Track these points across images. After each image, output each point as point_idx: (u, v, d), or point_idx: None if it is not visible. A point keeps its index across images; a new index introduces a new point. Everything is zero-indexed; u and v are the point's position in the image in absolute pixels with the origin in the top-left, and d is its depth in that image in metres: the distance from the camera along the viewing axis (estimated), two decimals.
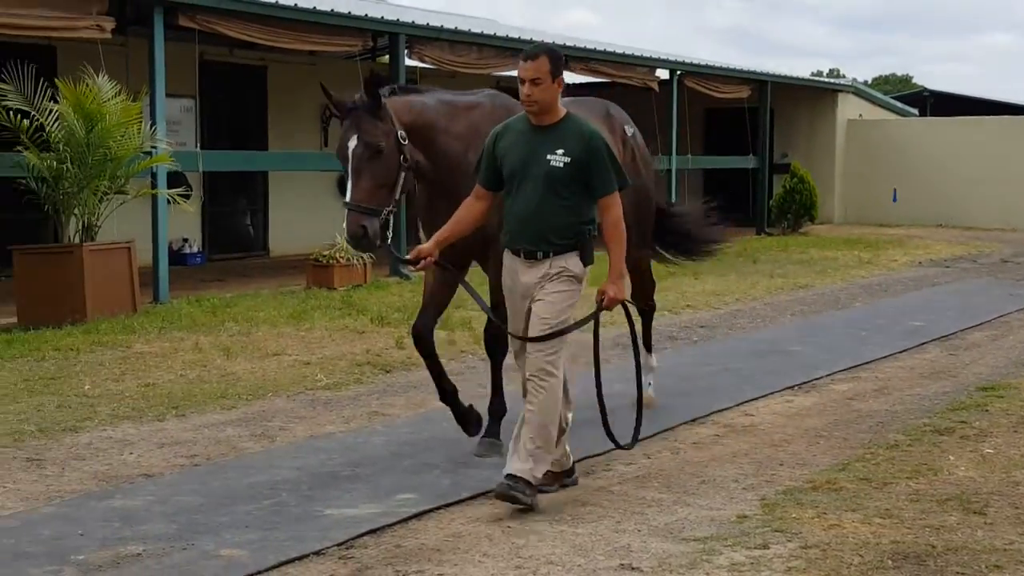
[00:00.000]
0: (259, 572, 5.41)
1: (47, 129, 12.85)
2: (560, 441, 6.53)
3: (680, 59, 26.70)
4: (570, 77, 23.53)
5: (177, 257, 17.99)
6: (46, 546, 5.76)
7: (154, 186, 14.33)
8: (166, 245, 15.01)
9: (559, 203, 6.34)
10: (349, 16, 17.65)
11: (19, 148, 12.78)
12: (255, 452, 7.71)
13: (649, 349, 9.16)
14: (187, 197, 15.84)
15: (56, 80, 13.12)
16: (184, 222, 18.05)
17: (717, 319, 14.37)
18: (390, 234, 7.06)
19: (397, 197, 7.04)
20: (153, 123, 14.13)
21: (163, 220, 14.81)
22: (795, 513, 6.17)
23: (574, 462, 6.85)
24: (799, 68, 57.62)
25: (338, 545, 5.76)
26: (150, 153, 13.92)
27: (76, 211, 13.06)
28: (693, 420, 8.53)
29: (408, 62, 18.99)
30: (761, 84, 29.14)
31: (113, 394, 9.33)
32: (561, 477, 6.70)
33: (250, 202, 21.63)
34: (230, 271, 18.70)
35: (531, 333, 6.38)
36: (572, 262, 6.40)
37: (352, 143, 6.86)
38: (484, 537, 5.92)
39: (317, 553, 5.65)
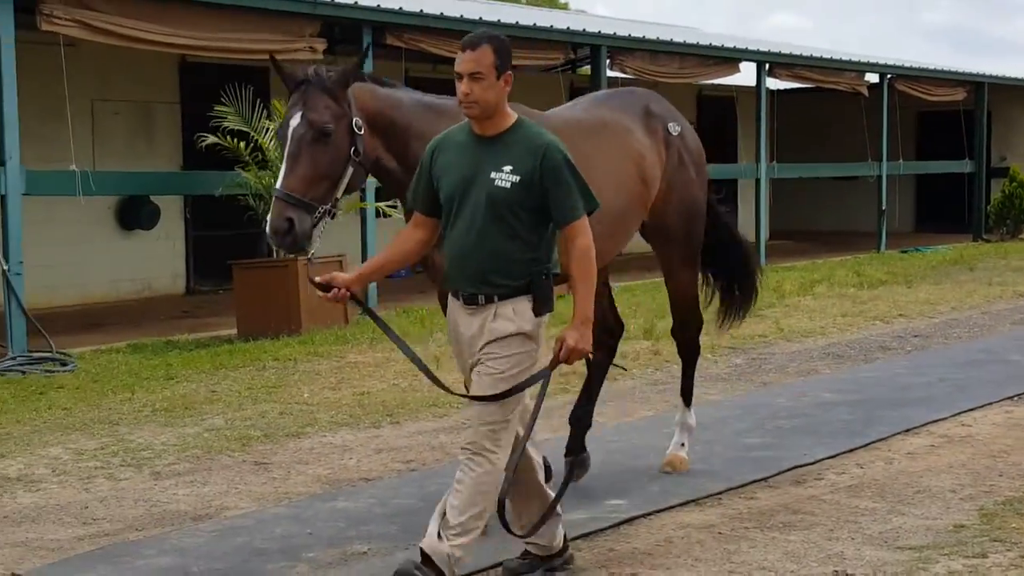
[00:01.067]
0: (479, 571, 5.53)
1: (264, 148, 13.36)
2: (551, 522, 5.36)
3: (890, 62, 26.31)
4: (774, 83, 23.40)
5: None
6: (279, 544, 6.05)
7: (363, 199, 14.75)
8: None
9: (505, 234, 4.88)
10: (552, 30, 17.98)
11: (239, 167, 13.37)
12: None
13: (688, 402, 7.51)
14: (394, 207, 16.31)
15: (272, 101, 13.66)
16: (390, 237, 18.46)
17: (931, 328, 14.04)
18: (318, 239, 5.64)
19: (339, 196, 5.74)
20: None
21: (372, 234, 15.23)
22: (1015, 523, 6.07)
23: (567, 543, 5.57)
24: (1020, 68, 54.88)
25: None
26: None
27: None
28: (907, 431, 8.34)
29: (609, 73, 19.17)
30: (977, 86, 28.28)
31: (331, 402, 9.71)
32: (547, 560, 5.50)
33: None
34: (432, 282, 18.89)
35: (469, 417, 5.05)
36: (521, 311, 4.90)
37: (295, 121, 5.59)
38: (695, 542, 5.98)
39: None
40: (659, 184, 6.82)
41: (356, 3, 14.89)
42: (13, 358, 11.40)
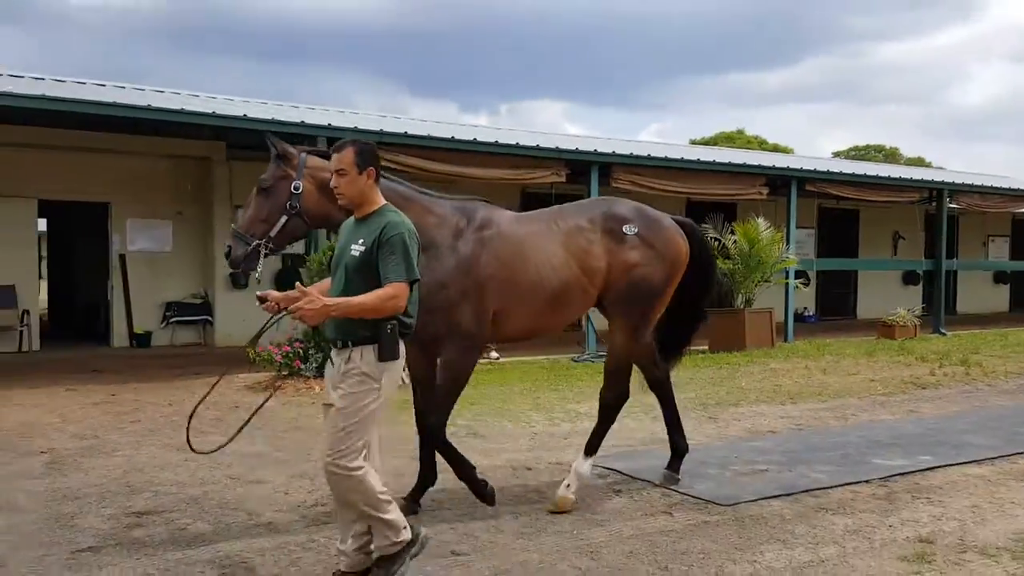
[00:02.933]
0: (832, 486, 5.43)
1: (727, 248, 13.41)
2: (379, 525, 3.78)
3: None
4: None
5: (799, 318, 17.79)
6: (717, 460, 6.10)
7: (786, 278, 14.54)
8: (792, 310, 15.01)
9: (355, 292, 3.69)
10: (911, 180, 16.73)
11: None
12: (835, 426, 7.56)
13: (590, 450, 5.26)
14: (806, 284, 15.93)
15: (733, 223, 13.80)
16: (804, 296, 17.95)
17: None
18: (259, 268, 4.61)
19: (273, 235, 4.57)
20: (788, 243, 14.26)
21: (791, 296, 14.85)
22: None
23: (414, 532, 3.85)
24: None
25: (879, 479, 5.65)
26: (784, 260, 14.04)
27: (742, 290, 13.51)
28: None
29: (950, 205, 17.49)
30: None
31: (756, 388, 9.58)
32: (397, 557, 3.80)
33: (846, 285, 20.84)
34: (831, 327, 18.14)
35: (325, 431, 3.75)
36: (368, 357, 3.68)
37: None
38: (972, 484, 5.56)
39: (866, 481, 5.59)
40: (604, 269, 5.01)
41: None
42: (587, 354, 12.16)
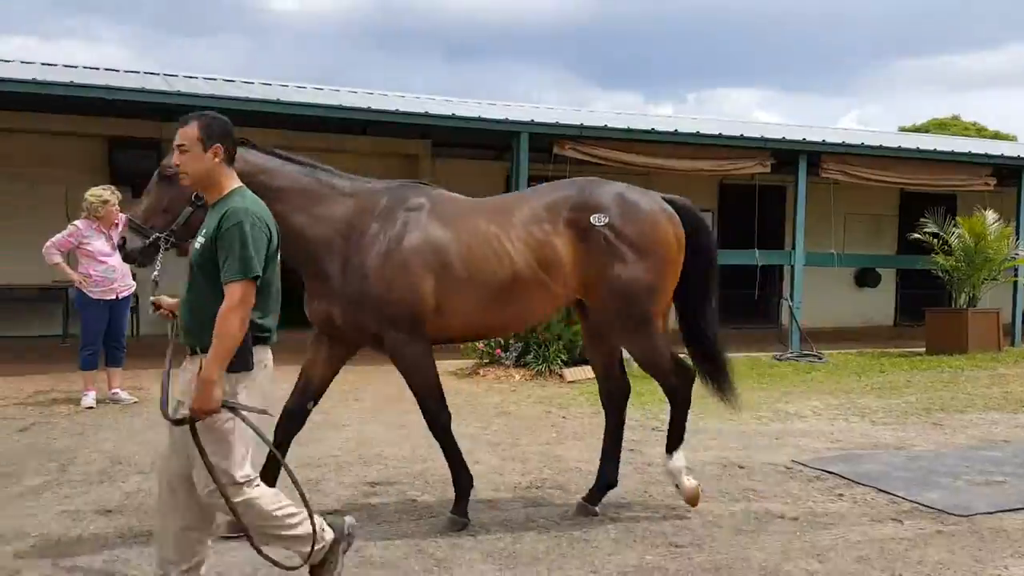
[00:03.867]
0: None
1: (950, 243, 12.52)
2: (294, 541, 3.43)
3: None
4: None
5: None
6: (949, 471, 5.68)
7: (1015, 276, 13.33)
8: (1021, 311, 13.80)
9: (198, 292, 3.24)
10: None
11: (933, 253, 12.70)
12: None
13: (674, 444, 4.74)
14: None
15: (956, 217, 12.85)
16: None
17: None
18: (158, 263, 3.86)
19: (175, 228, 3.86)
20: (1019, 239, 13.12)
21: (1020, 297, 13.65)
22: None
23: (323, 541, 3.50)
24: None
25: None
26: (1015, 257, 12.91)
27: (965, 290, 12.57)
28: None
29: None
30: None
31: (984, 395, 8.88)
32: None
33: None
34: None
35: (177, 451, 3.28)
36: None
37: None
38: None
39: None
40: (570, 267, 4.40)
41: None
42: (791, 353, 11.82)
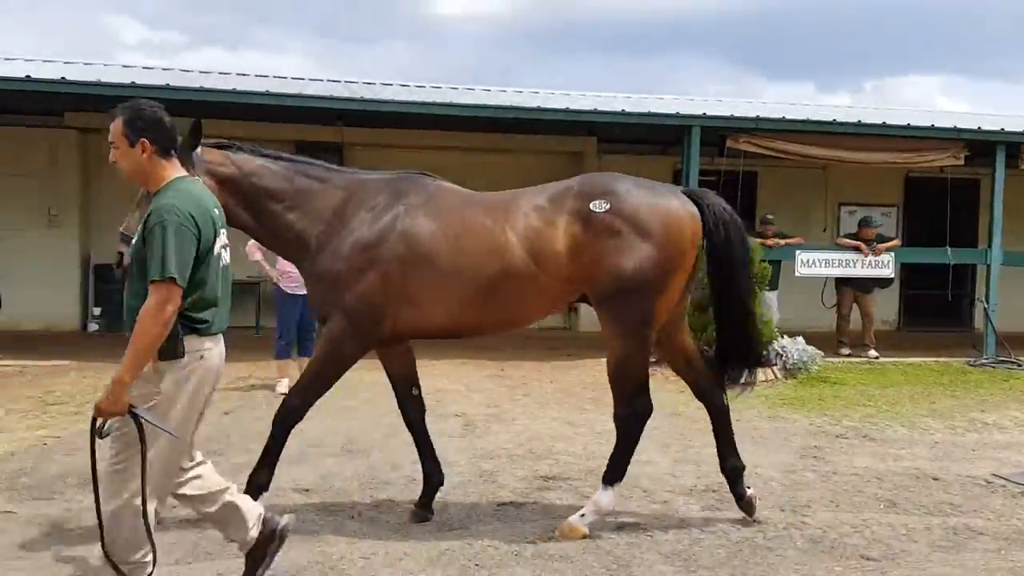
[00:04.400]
0: None
1: None
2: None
3: None
4: None
5: None
6: None
7: None
8: None
9: (134, 287, 3.11)
10: None
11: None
12: None
13: (605, 480, 4.40)
14: None
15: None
16: None
17: None
18: None
19: None
20: None
21: None
22: None
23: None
24: None
25: None
26: None
27: None
28: None
29: None
30: None
31: None
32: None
33: None
34: None
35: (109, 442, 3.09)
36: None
37: None
38: None
39: None
40: (566, 257, 4.13)
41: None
42: (986, 359, 10.98)
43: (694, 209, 4.25)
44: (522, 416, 7.26)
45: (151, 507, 3.06)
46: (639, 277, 4.08)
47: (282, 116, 11.75)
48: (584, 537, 4.22)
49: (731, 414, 4.64)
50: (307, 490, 5.01)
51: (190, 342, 3.10)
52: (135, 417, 2.97)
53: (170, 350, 3.05)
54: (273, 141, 12.32)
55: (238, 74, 12.76)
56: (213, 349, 3.19)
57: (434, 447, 4.66)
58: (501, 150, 13.70)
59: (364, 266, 4.08)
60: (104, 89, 9.58)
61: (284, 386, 7.95)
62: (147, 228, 3.03)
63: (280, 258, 7.79)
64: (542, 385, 8.87)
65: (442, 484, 4.62)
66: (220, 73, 12.67)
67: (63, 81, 9.41)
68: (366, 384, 8.44)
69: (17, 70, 9.90)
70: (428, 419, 4.56)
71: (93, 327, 12.24)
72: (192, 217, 3.05)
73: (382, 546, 4.10)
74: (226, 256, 3.29)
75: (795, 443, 6.46)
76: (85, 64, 11.98)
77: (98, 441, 3.00)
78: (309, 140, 12.62)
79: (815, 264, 10.81)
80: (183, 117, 11.21)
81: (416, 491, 4.93)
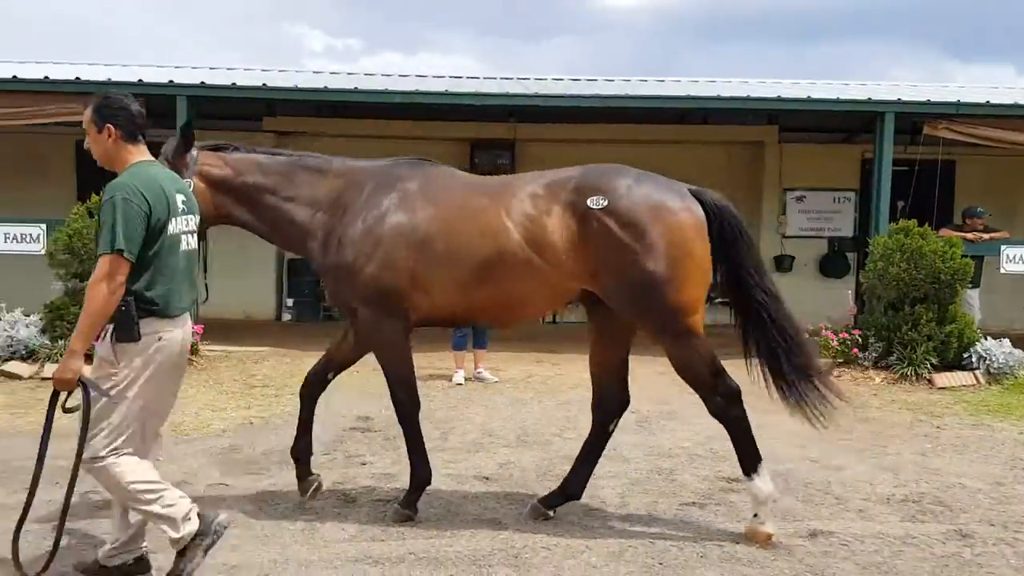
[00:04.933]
0: None
1: None
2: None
3: None
4: None
5: None
6: None
7: None
8: None
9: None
10: None
11: None
12: None
13: (746, 470, 4.14)
14: None
15: None
16: None
17: None
18: None
19: None
20: None
21: None
22: None
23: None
24: None
25: None
26: None
27: None
28: None
29: None
30: None
31: None
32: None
33: None
34: None
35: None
36: (107, 338, 3.20)
37: None
38: None
39: None
40: (565, 250, 3.97)
41: None
42: None
43: (697, 207, 4.05)
44: (699, 415, 7.06)
45: (111, 461, 3.22)
46: (646, 275, 3.91)
47: (458, 115, 12.10)
48: (770, 538, 4.06)
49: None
50: (487, 478, 5.13)
51: (147, 324, 3.19)
52: (85, 388, 3.14)
53: (127, 333, 3.16)
54: (450, 139, 12.76)
55: (417, 75, 13.27)
56: (174, 331, 3.28)
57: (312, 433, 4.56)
58: (675, 142, 13.46)
59: (371, 251, 4.10)
60: (300, 94, 10.24)
61: (460, 376, 8.20)
62: (101, 205, 3.19)
63: None
64: None
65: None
66: (400, 75, 13.22)
67: (264, 88, 10.12)
68: (540, 379, 8.56)
69: (221, 78, 10.76)
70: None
71: (287, 316, 13.13)
72: (142, 194, 3.17)
73: (563, 538, 4.13)
74: (191, 241, 3.42)
75: (1003, 453, 5.96)
76: (279, 71, 12.84)
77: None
78: (483, 138, 12.93)
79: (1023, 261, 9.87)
80: (368, 119, 11.76)
81: (595, 486, 4.94)
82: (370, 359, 4.48)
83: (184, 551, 3.29)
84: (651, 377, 8.86)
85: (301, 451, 4.49)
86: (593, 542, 4.08)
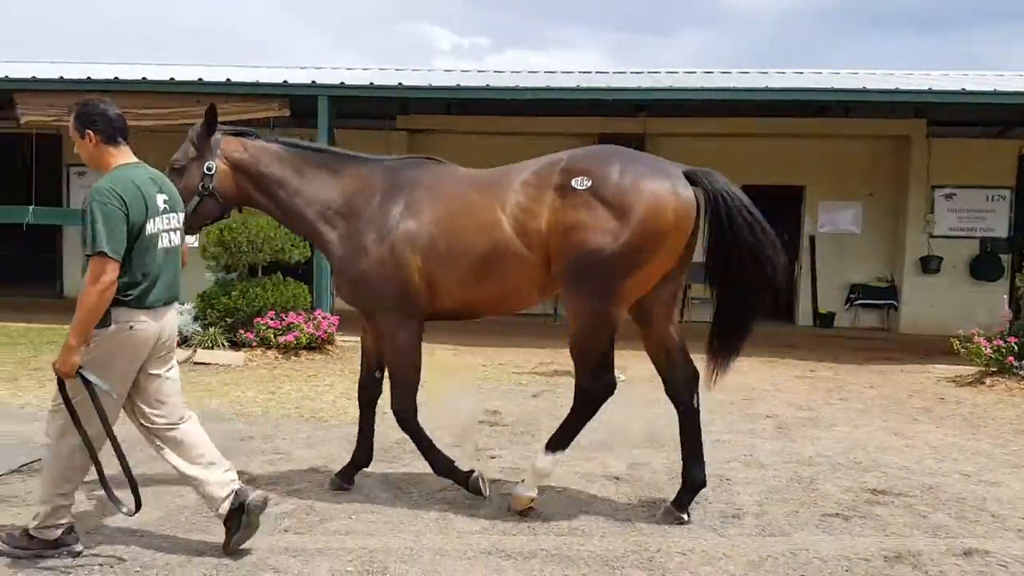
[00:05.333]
0: None
1: None
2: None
3: None
4: None
5: None
6: None
7: None
8: None
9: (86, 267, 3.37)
10: None
11: None
12: None
13: (554, 445, 4.18)
14: None
15: None
16: None
17: None
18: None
19: (187, 214, 3.98)
20: None
21: None
22: None
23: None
24: None
25: None
26: None
27: None
28: None
29: None
30: None
31: None
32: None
33: None
34: None
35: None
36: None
37: None
38: None
39: None
40: (544, 231, 4.01)
41: None
42: None
43: (688, 192, 3.96)
44: (841, 422, 6.80)
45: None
46: (601, 255, 3.88)
47: (585, 110, 12.06)
48: (531, 502, 4.22)
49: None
50: (617, 478, 5.07)
51: (118, 313, 3.39)
52: (83, 378, 3.33)
53: (101, 319, 3.35)
54: (577, 135, 12.74)
55: (546, 72, 13.30)
56: (148, 322, 3.46)
57: (373, 434, 4.71)
58: (813, 136, 12.96)
59: (387, 258, 4.20)
60: (434, 92, 10.45)
61: None
62: (86, 205, 3.37)
63: None
64: (861, 390, 8.26)
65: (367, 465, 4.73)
66: (529, 71, 13.28)
67: (400, 87, 10.39)
68: None
69: (359, 78, 11.11)
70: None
71: None
72: (119, 196, 3.37)
73: (699, 542, 4.04)
74: (174, 238, 3.60)
75: None
76: (413, 70, 13.15)
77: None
78: (612, 132, 12.84)
79: None
80: (497, 116, 11.89)
81: (731, 492, 4.80)
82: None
83: (42, 542, 3.54)
84: (790, 381, 8.59)
85: (364, 455, 4.67)
86: (731, 549, 3.97)
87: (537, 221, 4.02)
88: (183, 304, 8.89)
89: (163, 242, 3.55)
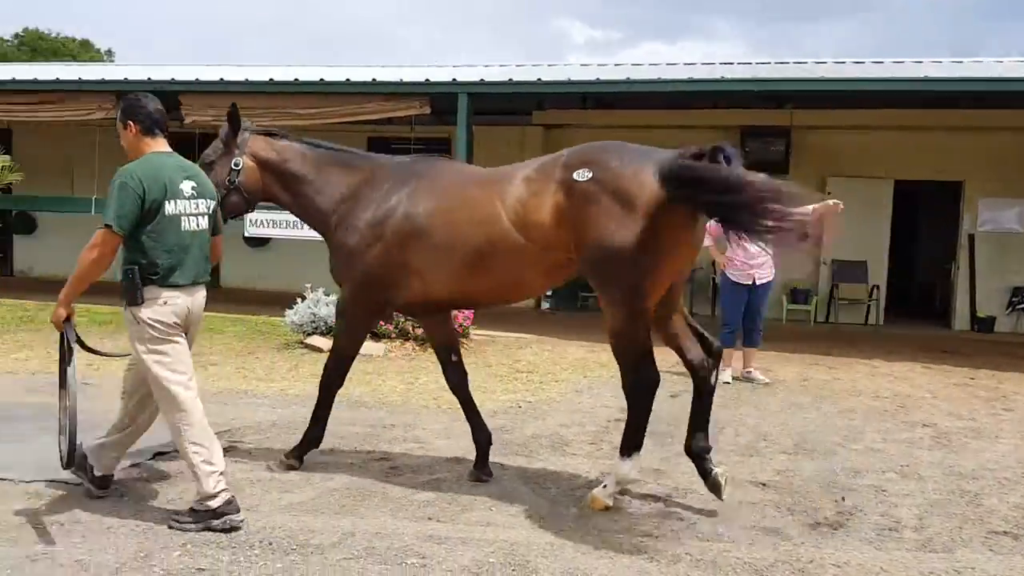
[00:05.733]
0: None
1: None
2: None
3: None
4: None
5: None
6: None
7: None
8: None
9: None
10: None
11: None
12: None
13: (623, 451, 4.16)
14: None
15: None
16: None
17: None
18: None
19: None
20: None
21: None
22: None
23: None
24: None
25: None
26: None
27: None
28: None
29: None
30: None
31: None
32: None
33: None
34: None
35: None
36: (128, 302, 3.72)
37: None
38: None
39: None
40: (553, 227, 4.00)
41: None
42: None
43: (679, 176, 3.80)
44: (1008, 433, 6.33)
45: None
46: (623, 246, 3.85)
47: (727, 102, 11.74)
48: (607, 509, 4.23)
49: None
50: (764, 484, 4.90)
51: (149, 291, 3.70)
52: (62, 336, 3.73)
53: (132, 298, 3.70)
54: (719, 127, 12.42)
55: (685, 63, 13.02)
56: (178, 298, 3.75)
57: (479, 413, 4.87)
58: (972, 128, 12.15)
59: (371, 241, 4.42)
60: (574, 87, 10.42)
61: (728, 375, 7.93)
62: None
63: (733, 245, 7.75)
64: None
65: (490, 444, 4.85)
66: (668, 64, 13.03)
67: (538, 83, 10.43)
68: (816, 383, 8.08)
69: (497, 75, 11.22)
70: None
71: (545, 305, 13.51)
72: (139, 178, 3.65)
73: (855, 555, 3.85)
74: (201, 222, 3.85)
75: None
76: (549, 65, 13.17)
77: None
78: (755, 125, 12.46)
79: None
80: (634, 110, 11.70)
81: (889, 504, 4.55)
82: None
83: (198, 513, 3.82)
84: (947, 388, 8.08)
85: (481, 433, 4.81)
86: (889, 564, 3.76)
87: (540, 215, 4.08)
88: (328, 296, 9.25)
89: (187, 224, 3.80)
